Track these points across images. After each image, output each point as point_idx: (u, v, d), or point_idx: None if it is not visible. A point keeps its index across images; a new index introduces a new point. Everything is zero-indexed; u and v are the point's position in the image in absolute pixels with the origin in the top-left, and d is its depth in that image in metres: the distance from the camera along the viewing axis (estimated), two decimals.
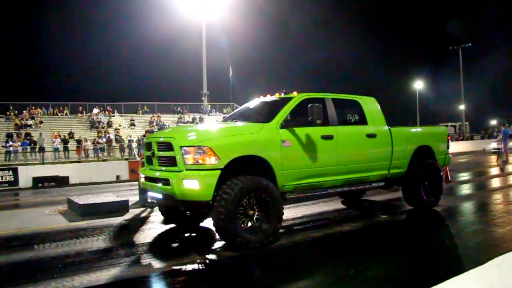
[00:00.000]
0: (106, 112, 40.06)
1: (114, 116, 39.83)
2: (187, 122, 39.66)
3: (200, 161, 5.79)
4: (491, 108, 65.23)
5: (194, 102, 45.34)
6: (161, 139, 6.43)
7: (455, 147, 36.96)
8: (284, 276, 4.98)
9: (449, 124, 61.11)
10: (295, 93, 7.22)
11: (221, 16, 42.58)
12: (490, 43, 77.14)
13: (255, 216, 6.08)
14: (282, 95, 7.48)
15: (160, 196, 6.42)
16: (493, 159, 23.88)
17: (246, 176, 5.96)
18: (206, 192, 5.76)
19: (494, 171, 17.63)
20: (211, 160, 5.78)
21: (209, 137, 6.04)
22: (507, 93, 70.92)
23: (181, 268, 5.23)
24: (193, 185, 5.74)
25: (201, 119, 40.43)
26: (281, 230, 6.84)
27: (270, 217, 6.09)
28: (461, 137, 48.59)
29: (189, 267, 5.29)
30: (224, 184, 5.82)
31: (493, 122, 60.36)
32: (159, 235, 7.38)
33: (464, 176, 15.88)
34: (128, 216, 9.25)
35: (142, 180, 6.96)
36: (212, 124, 9.30)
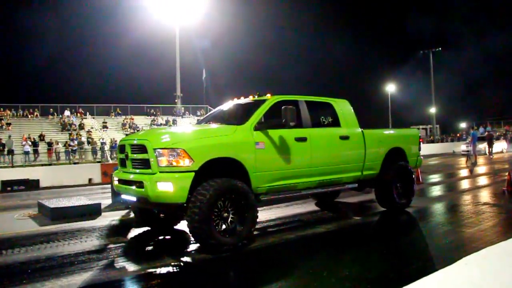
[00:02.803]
0: (78, 114, 39.43)
1: (86, 118, 39.26)
2: (161, 124, 39.38)
3: (174, 163, 5.75)
4: (461, 111, 66.59)
5: (167, 104, 45.05)
6: (135, 142, 6.35)
7: (426, 149, 37.39)
8: (259, 277, 5.00)
9: (421, 126, 62.02)
10: (268, 95, 7.26)
11: (195, 20, 42.44)
12: (460, 47, 78.84)
13: (230, 218, 6.07)
14: (256, 97, 7.51)
15: (133, 198, 6.33)
16: (463, 161, 24.36)
17: (221, 178, 5.95)
18: (180, 194, 5.72)
19: (464, 173, 17.99)
20: (185, 162, 5.75)
21: (183, 139, 6.01)
22: (476, 97, 72.72)
23: (155, 271, 5.18)
24: (167, 187, 5.70)
25: (174, 122, 40.17)
26: (255, 232, 6.88)
27: (244, 219, 6.10)
28: (432, 140, 49.46)
29: (163, 270, 5.24)
30: (198, 186, 5.79)
31: (463, 125, 61.61)
32: (132, 238, 7.30)
33: (434, 178, 16.13)
34: (101, 219, 9.08)
35: (116, 183, 6.87)
36: (186, 126, 9.23)
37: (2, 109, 37.01)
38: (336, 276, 4.83)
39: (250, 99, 7.60)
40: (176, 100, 43.38)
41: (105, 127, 37.77)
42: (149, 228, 7.71)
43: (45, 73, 75.36)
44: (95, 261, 5.79)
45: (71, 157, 29.95)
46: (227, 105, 8.06)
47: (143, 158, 6.09)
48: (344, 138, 7.78)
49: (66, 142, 31.68)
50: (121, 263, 5.72)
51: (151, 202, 5.91)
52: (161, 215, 7.57)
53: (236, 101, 7.91)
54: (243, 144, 6.32)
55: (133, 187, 6.15)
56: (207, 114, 8.78)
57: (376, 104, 67.70)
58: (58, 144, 31.11)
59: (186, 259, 5.85)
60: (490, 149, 29.43)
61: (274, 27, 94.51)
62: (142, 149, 6.09)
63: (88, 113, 40.37)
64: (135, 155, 6.30)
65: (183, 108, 44.51)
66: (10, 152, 28.33)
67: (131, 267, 5.54)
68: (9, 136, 30.47)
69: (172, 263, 5.52)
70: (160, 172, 5.80)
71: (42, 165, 27.01)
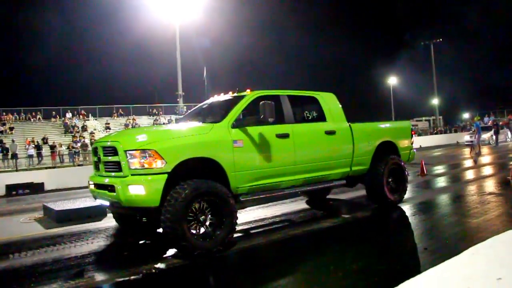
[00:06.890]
0: (81, 116, 39.52)
1: (88, 120, 39.38)
2: (163, 123, 39.35)
3: (146, 165, 5.51)
4: (464, 102, 66.08)
5: (169, 103, 45.02)
6: (108, 143, 6.10)
7: (430, 140, 37.54)
8: (267, 273, 5.02)
9: (424, 118, 61.74)
10: (248, 91, 6.96)
11: (196, 18, 42.22)
12: (461, 37, 77.99)
13: (207, 222, 5.81)
14: (236, 93, 7.24)
15: (107, 203, 6.14)
16: (467, 151, 24.05)
17: (196, 179, 5.69)
18: (153, 197, 5.49)
19: (468, 163, 17.72)
20: (157, 164, 5.51)
21: (154, 139, 5.74)
22: (479, 87, 72.07)
23: (161, 269, 5.24)
24: (139, 190, 5.47)
25: (177, 121, 40.12)
26: (261, 229, 7.02)
27: (222, 222, 5.83)
28: (435, 131, 49.05)
29: (171, 269, 5.29)
30: (172, 189, 5.56)
31: (466, 115, 61.12)
32: (138, 238, 7.23)
33: (439, 169, 15.97)
34: (106, 220, 8.93)
35: (92, 187, 6.66)
36: (160, 126, 9.02)
37: (4, 113, 37.26)
38: (343, 270, 4.80)
39: (229, 95, 7.33)
40: (178, 99, 43.18)
41: (108, 128, 37.79)
42: (153, 229, 7.48)
43: (46, 76, 75.94)
44: (102, 262, 5.83)
45: (75, 159, 29.98)
46: (208, 102, 7.82)
47: (114, 160, 5.86)
48: (330, 133, 7.47)
49: (70, 144, 31.76)
50: (128, 262, 5.67)
51: (123, 206, 5.70)
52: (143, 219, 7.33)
53: (216, 98, 7.65)
54: (219, 143, 6.06)
55: (106, 191, 5.94)
56: (187, 112, 8.56)
57: (379, 98, 67.38)
58: (61, 146, 31.27)
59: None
60: (496, 139, 29.45)
61: (275, 24, 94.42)
62: (113, 151, 5.87)
63: (90, 114, 40.49)
64: (108, 157, 6.06)
65: (185, 107, 44.30)
66: (14, 156, 28.43)
67: (140, 266, 5.38)
68: (13, 140, 30.58)
69: (175, 263, 5.54)
70: (132, 175, 5.57)
71: (46, 168, 27.04)
